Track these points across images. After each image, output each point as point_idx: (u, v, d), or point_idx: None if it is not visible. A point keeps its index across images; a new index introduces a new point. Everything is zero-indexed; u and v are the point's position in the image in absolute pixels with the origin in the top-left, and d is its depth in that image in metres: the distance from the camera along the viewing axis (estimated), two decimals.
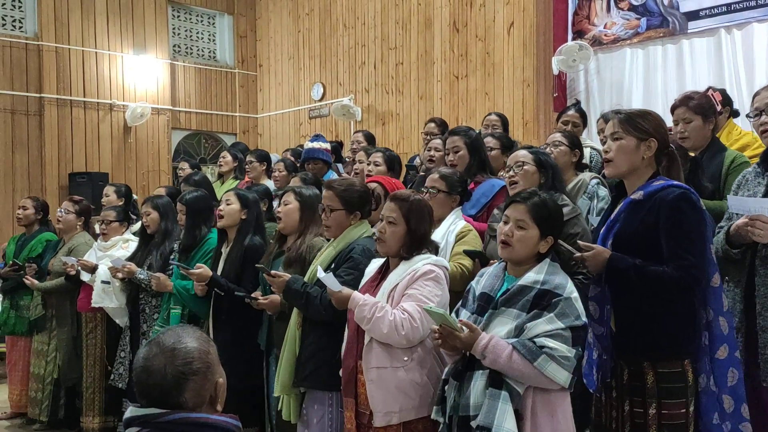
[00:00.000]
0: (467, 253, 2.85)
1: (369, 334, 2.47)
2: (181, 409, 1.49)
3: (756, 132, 2.59)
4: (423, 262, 2.48)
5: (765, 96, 2.49)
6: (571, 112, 4.39)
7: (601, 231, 2.35)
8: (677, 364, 2.18)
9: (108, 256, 4.18)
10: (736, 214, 2.45)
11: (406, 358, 2.43)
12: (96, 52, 8.70)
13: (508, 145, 3.78)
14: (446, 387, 2.26)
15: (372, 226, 2.98)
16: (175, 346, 1.51)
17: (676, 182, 2.23)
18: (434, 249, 2.61)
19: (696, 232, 2.17)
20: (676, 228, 2.16)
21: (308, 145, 5.03)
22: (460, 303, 2.38)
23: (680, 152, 2.79)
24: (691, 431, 2.18)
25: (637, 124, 2.25)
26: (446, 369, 2.32)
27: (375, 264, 2.69)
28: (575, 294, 2.12)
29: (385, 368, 2.44)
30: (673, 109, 3.20)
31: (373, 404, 2.45)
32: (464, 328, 2.14)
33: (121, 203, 4.76)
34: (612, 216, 2.33)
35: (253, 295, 3.25)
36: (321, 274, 2.60)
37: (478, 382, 2.13)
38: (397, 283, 2.48)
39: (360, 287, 2.62)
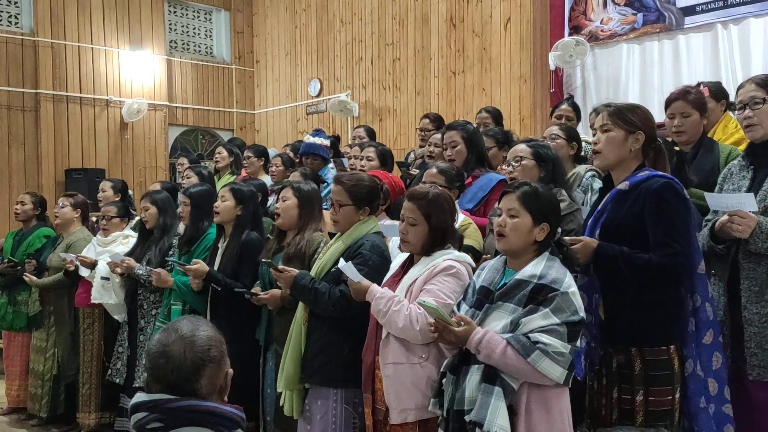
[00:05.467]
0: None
1: (385, 327, 2.46)
2: (195, 396, 1.51)
3: (741, 125, 2.60)
4: (444, 257, 2.45)
5: (749, 89, 2.48)
6: (564, 106, 4.39)
7: (589, 222, 2.38)
8: (663, 352, 2.22)
9: (107, 251, 4.17)
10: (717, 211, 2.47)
11: (423, 355, 2.40)
12: (92, 48, 8.68)
13: (503, 140, 3.77)
14: (444, 380, 2.26)
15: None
16: (194, 333, 1.54)
17: (660, 172, 2.28)
18: (458, 240, 2.59)
19: (681, 220, 2.21)
20: (662, 216, 2.20)
21: (309, 139, 5.02)
22: (461, 297, 2.38)
23: (666, 146, 2.81)
24: (676, 417, 2.22)
25: (626, 117, 2.30)
26: (445, 362, 2.31)
27: (399, 259, 2.67)
28: (573, 288, 2.10)
29: (401, 364, 2.41)
30: (668, 103, 3.20)
31: (389, 400, 2.43)
32: (461, 322, 2.14)
33: (117, 199, 4.75)
34: (599, 207, 2.36)
35: (252, 290, 3.23)
36: (342, 263, 2.59)
37: (474, 376, 2.12)
38: (416, 278, 2.46)
39: (383, 282, 2.61)
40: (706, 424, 2.24)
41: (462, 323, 2.14)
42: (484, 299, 2.21)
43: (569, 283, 2.11)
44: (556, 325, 2.04)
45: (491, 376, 2.08)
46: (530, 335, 2.05)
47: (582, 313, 2.09)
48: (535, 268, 2.14)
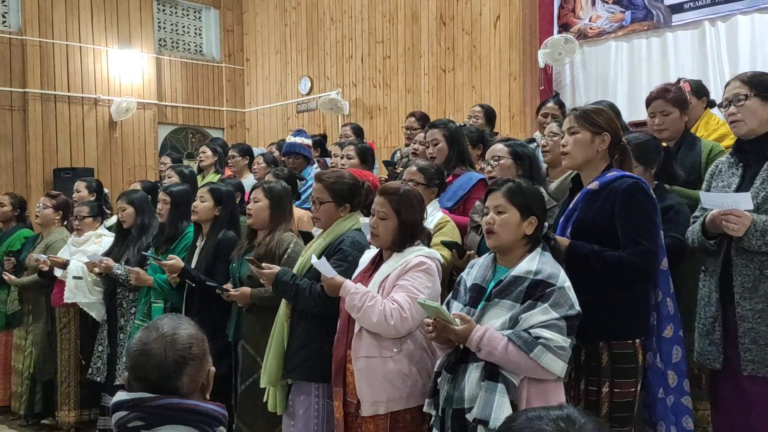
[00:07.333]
0: (444, 243, 2.86)
1: (359, 323, 2.48)
2: (176, 394, 1.50)
3: (727, 121, 2.61)
4: (415, 253, 2.49)
5: (733, 86, 2.50)
6: (550, 104, 4.39)
7: (560, 221, 2.44)
8: (630, 345, 2.30)
9: (81, 251, 4.19)
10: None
11: (395, 349, 2.44)
12: (80, 47, 8.63)
13: (476, 140, 3.80)
14: (439, 380, 2.27)
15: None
16: (176, 331, 1.54)
17: (628, 173, 2.36)
18: (427, 237, 2.62)
19: (649, 218, 2.30)
20: (631, 215, 2.28)
21: (290, 139, 5.03)
22: (450, 295, 2.38)
23: (654, 142, 2.83)
24: (636, 407, 2.33)
25: (592, 119, 2.39)
26: (438, 361, 2.32)
27: (368, 255, 2.70)
28: (568, 283, 2.12)
29: (373, 358, 2.45)
30: (648, 102, 3.23)
31: (361, 393, 2.46)
32: (458, 320, 2.14)
33: (92, 198, 4.75)
34: (570, 206, 2.43)
35: (224, 286, 3.28)
36: (314, 260, 2.61)
37: (473, 374, 2.13)
38: (389, 274, 2.50)
39: (354, 278, 2.63)
40: (663, 414, 2.35)
41: (461, 321, 2.14)
42: (479, 296, 2.22)
43: (564, 278, 2.13)
44: (556, 320, 2.06)
45: (493, 373, 2.09)
46: (531, 331, 2.06)
47: (578, 307, 2.11)
48: (530, 264, 2.16)
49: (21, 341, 4.68)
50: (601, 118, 2.39)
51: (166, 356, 1.50)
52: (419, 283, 2.44)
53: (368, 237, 2.84)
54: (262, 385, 2.96)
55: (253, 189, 3.38)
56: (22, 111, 8.19)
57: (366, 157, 4.10)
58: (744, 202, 2.33)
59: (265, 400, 2.97)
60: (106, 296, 4.08)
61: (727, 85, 2.57)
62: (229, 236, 3.55)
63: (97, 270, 3.93)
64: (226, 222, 3.59)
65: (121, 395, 1.53)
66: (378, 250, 2.64)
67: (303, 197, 4.42)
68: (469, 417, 2.09)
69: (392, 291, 2.46)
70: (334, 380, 2.63)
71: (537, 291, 2.10)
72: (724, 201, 2.39)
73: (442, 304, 2.35)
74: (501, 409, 2.03)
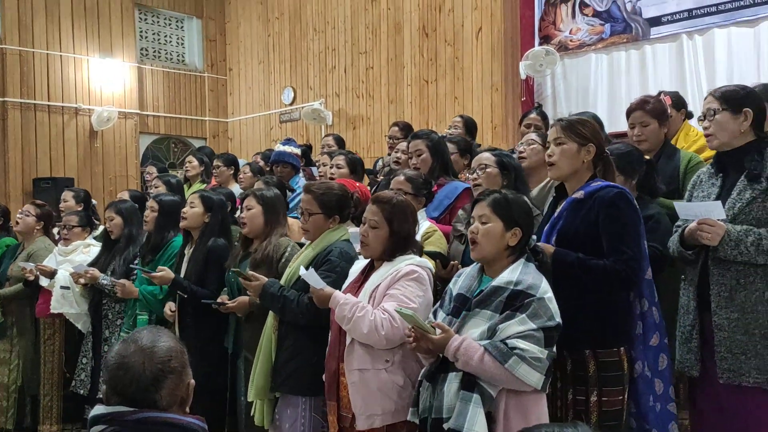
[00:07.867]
0: (428, 253, 2.86)
1: (349, 334, 2.45)
2: (155, 407, 1.49)
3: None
4: (406, 262, 2.47)
5: (708, 101, 2.56)
6: (533, 114, 4.44)
7: (545, 229, 2.47)
8: (615, 353, 2.32)
9: (68, 261, 4.14)
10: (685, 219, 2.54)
11: (387, 360, 2.42)
12: (61, 56, 8.56)
13: (465, 148, 3.83)
14: (421, 389, 2.27)
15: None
16: (154, 344, 1.52)
17: (612, 183, 2.41)
18: (418, 249, 2.60)
19: (632, 228, 2.34)
20: (615, 224, 2.32)
21: (279, 147, 5.03)
22: (438, 304, 2.39)
23: (637, 153, 2.89)
24: (624, 416, 2.34)
25: (578, 130, 2.42)
26: (422, 371, 2.32)
27: (358, 265, 2.67)
28: (549, 294, 2.12)
29: (367, 370, 2.42)
30: (629, 113, 3.29)
31: (355, 407, 2.43)
32: (438, 330, 2.15)
33: (79, 208, 4.70)
34: (555, 214, 2.46)
35: (219, 299, 3.23)
36: (303, 271, 2.58)
37: (452, 384, 2.13)
38: (379, 284, 2.47)
39: (343, 288, 2.60)
40: (655, 422, 2.39)
41: (439, 331, 2.15)
42: (461, 306, 2.22)
43: (545, 289, 2.13)
44: (533, 331, 2.06)
45: (470, 383, 2.09)
46: (507, 341, 2.06)
47: (558, 318, 2.11)
48: (511, 275, 2.16)
49: (5, 354, 4.58)
50: (586, 129, 2.42)
51: (144, 369, 1.48)
52: (410, 291, 2.41)
53: (357, 247, 2.85)
54: (249, 399, 2.92)
55: (244, 198, 3.34)
56: (1, 120, 8.09)
57: (356, 167, 4.11)
58: (716, 211, 2.37)
59: (252, 413, 2.93)
60: (91, 307, 4.03)
61: (705, 99, 2.65)
62: (220, 243, 3.50)
63: (82, 281, 3.88)
64: (217, 230, 3.54)
65: (99, 409, 1.51)
66: (368, 260, 2.62)
67: (290, 206, 4.43)
68: (445, 426, 2.09)
69: (383, 300, 2.43)
70: (327, 394, 2.59)
71: (516, 301, 2.10)
72: (696, 210, 2.44)
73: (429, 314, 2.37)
74: (474, 420, 2.03)
